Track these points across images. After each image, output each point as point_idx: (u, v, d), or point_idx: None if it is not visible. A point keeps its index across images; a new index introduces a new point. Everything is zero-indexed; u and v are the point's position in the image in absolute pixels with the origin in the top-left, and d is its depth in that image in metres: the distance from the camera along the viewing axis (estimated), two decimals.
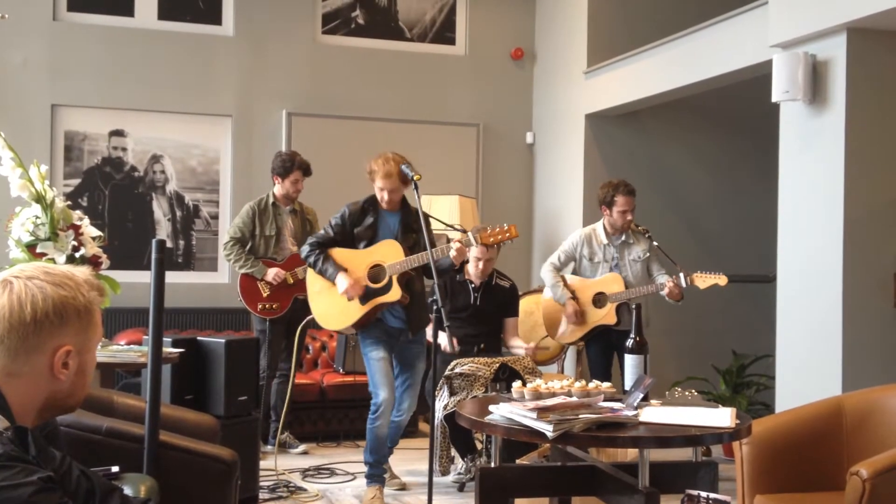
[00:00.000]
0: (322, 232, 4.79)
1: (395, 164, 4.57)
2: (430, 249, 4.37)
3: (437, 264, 4.52)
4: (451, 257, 4.51)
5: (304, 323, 5.32)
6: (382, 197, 4.63)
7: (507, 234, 4.59)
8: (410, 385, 4.79)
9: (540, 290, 6.56)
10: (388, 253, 4.60)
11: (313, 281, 4.74)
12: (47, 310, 1.58)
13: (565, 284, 5.54)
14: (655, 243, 5.48)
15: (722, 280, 5.17)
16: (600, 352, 5.50)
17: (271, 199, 5.90)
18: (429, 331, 5.11)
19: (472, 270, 5.33)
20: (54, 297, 1.59)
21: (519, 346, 5.35)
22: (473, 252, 5.19)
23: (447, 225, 5.07)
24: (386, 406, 4.60)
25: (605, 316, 5.42)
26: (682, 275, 5.24)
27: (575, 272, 5.64)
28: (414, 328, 4.70)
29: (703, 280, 5.22)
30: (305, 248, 4.73)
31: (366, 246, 4.66)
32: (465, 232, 4.76)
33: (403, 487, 5.04)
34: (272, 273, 5.75)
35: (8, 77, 6.68)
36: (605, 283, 5.46)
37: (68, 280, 1.62)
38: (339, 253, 4.68)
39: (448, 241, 4.89)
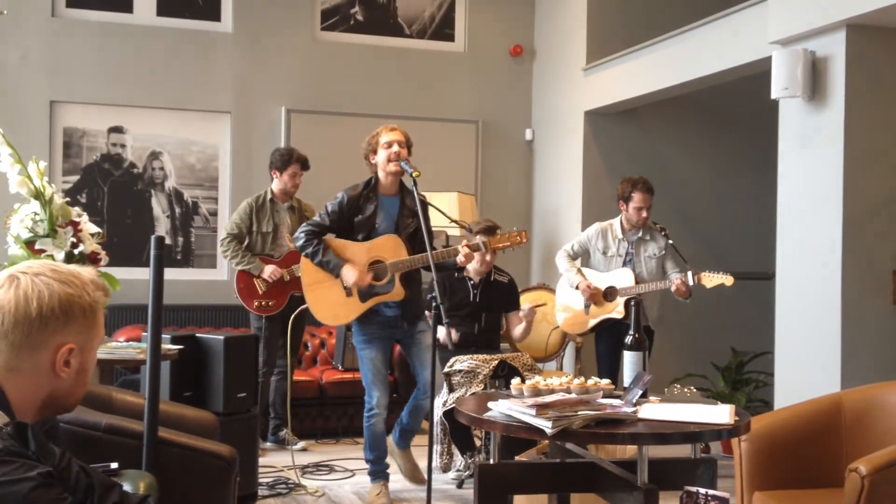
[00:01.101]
0: (317, 219, 4.57)
1: (399, 130, 4.57)
2: (429, 250, 4.30)
3: (442, 263, 4.51)
4: (459, 261, 4.49)
5: (296, 313, 5.29)
6: (388, 157, 4.44)
7: (518, 240, 4.58)
8: (425, 362, 4.57)
9: (540, 287, 6.59)
10: (390, 249, 4.48)
11: (308, 272, 4.55)
12: (53, 306, 1.58)
13: (578, 270, 5.60)
14: (671, 242, 5.50)
15: (728, 280, 5.19)
16: (610, 347, 5.53)
17: (269, 196, 5.90)
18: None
19: (472, 267, 5.31)
20: (60, 295, 1.59)
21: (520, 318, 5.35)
22: (477, 256, 5.08)
23: (452, 220, 5.01)
24: (380, 407, 4.56)
25: (614, 309, 5.46)
26: (689, 273, 5.28)
27: (588, 265, 5.68)
28: (410, 320, 4.61)
29: (710, 279, 5.24)
30: (301, 237, 4.51)
31: (364, 238, 4.51)
32: (471, 231, 4.74)
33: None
34: (268, 271, 5.75)
35: (6, 73, 6.67)
36: (616, 278, 5.49)
37: (75, 279, 1.63)
38: (337, 244, 4.51)
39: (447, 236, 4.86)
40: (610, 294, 5.51)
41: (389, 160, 4.46)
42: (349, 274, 4.43)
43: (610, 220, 5.67)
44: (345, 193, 4.54)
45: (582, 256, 5.75)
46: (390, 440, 4.82)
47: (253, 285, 5.79)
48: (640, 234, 5.55)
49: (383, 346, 4.61)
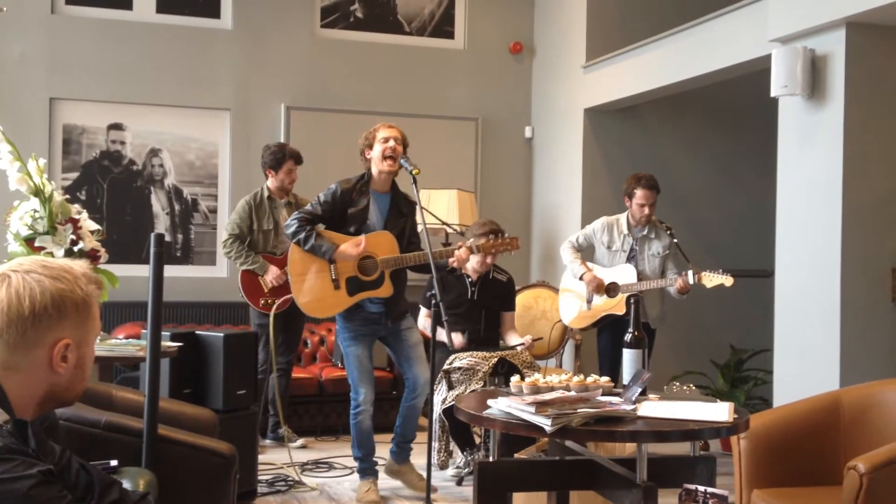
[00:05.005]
0: (309, 207, 4.57)
1: (396, 128, 4.58)
2: (429, 252, 4.32)
3: (435, 263, 4.51)
4: (451, 263, 4.50)
5: (286, 306, 5.30)
6: (384, 151, 4.46)
7: (509, 247, 4.66)
8: (415, 359, 4.65)
9: (538, 285, 6.59)
10: (382, 246, 4.48)
11: (295, 263, 4.53)
12: (45, 303, 1.57)
13: (583, 261, 5.63)
14: (676, 241, 5.51)
15: (728, 281, 5.19)
16: (611, 343, 5.55)
17: (266, 193, 5.88)
18: (427, 323, 5.11)
19: (470, 266, 5.30)
20: (52, 291, 1.58)
21: (517, 341, 5.33)
22: (473, 260, 5.11)
23: (444, 223, 5.03)
24: (366, 404, 4.57)
25: (616, 306, 5.47)
26: (690, 272, 5.29)
27: (592, 260, 5.70)
28: (392, 318, 4.62)
29: (711, 279, 5.24)
30: (293, 224, 4.48)
31: (355, 231, 4.50)
32: (462, 234, 4.77)
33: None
34: (272, 274, 5.73)
35: (6, 70, 6.67)
36: (618, 274, 5.50)
37: (66, 273, 1.62)
38: (329, 236, 4.50)
39: (447, 236, 4.86)
40: (612, 290, 5.53)
41: (385, 155, 4.48)
42: (349, 249, 4.41)
43: (617, 214, 5.69)
44: (338, 185, 4.55)
45: (586, 250, 5.76)
46: (389, 458, 4.83)
47: (258, 283, 5.79)
48: (646, 232, 5.57)
49: (368, 342, 4.64)
